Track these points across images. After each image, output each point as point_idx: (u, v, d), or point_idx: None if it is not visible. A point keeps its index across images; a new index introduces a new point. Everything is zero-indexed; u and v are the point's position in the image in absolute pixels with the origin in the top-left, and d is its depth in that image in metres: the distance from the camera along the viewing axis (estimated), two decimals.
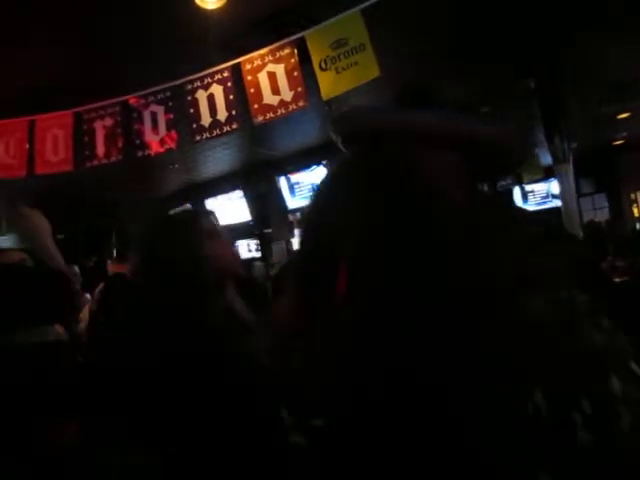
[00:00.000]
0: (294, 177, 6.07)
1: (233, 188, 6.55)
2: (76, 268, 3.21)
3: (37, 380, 1.36)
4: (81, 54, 3.38)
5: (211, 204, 6.67)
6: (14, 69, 3.49)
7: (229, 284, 1.17)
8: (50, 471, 1.27)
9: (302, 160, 5.94)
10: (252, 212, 6.57)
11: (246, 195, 6.48)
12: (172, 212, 1.59)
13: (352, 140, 0.72)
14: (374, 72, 2.80)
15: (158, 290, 1.11)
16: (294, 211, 6.30)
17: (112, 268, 3.09)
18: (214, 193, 6.69)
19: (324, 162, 5.72)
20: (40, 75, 3.59)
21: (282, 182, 6.13)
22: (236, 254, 1.42)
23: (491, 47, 3.69)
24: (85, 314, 2.96)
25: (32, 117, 3.78)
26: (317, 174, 5.85)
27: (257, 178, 6.38)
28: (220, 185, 6.64)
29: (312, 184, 5.92)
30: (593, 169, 7.74)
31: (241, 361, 0.97)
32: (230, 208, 6.43)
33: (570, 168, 4.39)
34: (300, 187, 6.05)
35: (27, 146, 3.81)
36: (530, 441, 0.45)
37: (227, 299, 1.15)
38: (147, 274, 1.17)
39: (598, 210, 8.00)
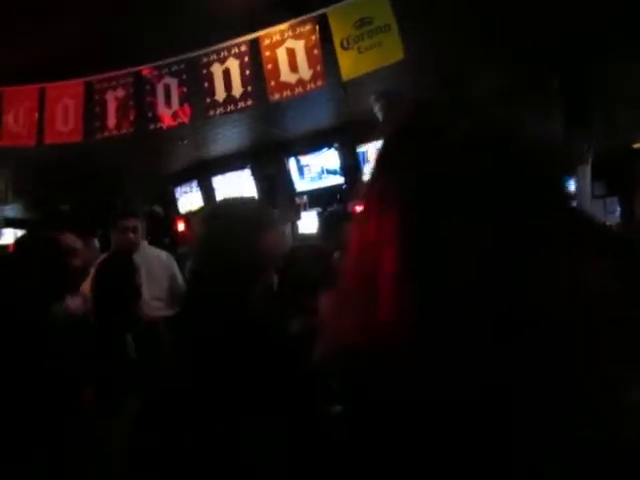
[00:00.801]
0: (304, 159, 5.98)
1: (241, 167, 6.47)
2: (96, 242, 3.13)
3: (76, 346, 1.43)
4: (94, 22, 3.29)
5: (219, 181, 6.60)
6: (27, 37, 3.41)
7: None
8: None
9: (313, 142, 5.85)
10: (259, 192, 6.51)
11: (254, 175, 6.41)
12: (238, 198, 1.62)
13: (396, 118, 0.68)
14: (398, 54, 2.71)
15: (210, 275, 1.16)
16: (302, 194, 6.23)
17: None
18: (222, 171, 6.61)
19: (335, 145, 5.64)
20: (53, 44, 3.50)
21: (291, 163, 6.05)
22: (282, 246, 1.50)
23: (519, 39, 3.58)
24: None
25: (42, 85, 3.71)
26: (327, 157, 5.77)
27: (266, 158, 6.30)
28: (228, 163, 6.56)
29: (322, 167, 5.85)
30: (606, 172, 7.64)
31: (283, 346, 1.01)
32: (237, 187, 6.36)
33: (588, 170, 4.33)
34: (309, 169, 5.96)
35: (36, 115, 3.75)
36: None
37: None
38: (204, 255, 1.22)
39: (610, 214, 7.91)
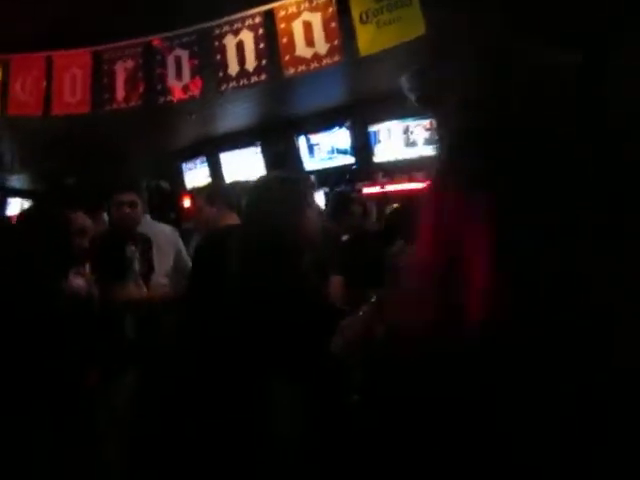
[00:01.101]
0: (314, 137, 5.88)
1: (250, 144, 6.39)
2: (105, 216, 3.04)
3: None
4: None
5: (226, 158, 6.52)
6: (31, 3, 3.31)
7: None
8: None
9: (324, 120, 5.74)
10: (267, 170, 6.43)
11: (263, 152, 6.32)
12: (282, 175, 1.55)
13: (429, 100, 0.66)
14: (419, 29, 2.60)
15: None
16: (311, 173, 6.15)
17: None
18: (230, 148, 6.53)
19: (347, 124, 5.53)
20: (61, 11, 3.40)
21: (301, 142, 5.95)
22: (319, 225, 1.51)
23: (545, 15, 3.45)
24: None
25: (50, 53, 3.62)
26: (338, 136, 5.67)
27: (276, 136, 6.21)
28: (237, 140, 6.47)
29: (332, 146, 5.75)
30: None
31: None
32: (245, 164, 6.29)
33: None
34: (319, 148, 5.87)
35: (44, 84, 3.67)
36: None
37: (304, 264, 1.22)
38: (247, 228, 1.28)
39: None
